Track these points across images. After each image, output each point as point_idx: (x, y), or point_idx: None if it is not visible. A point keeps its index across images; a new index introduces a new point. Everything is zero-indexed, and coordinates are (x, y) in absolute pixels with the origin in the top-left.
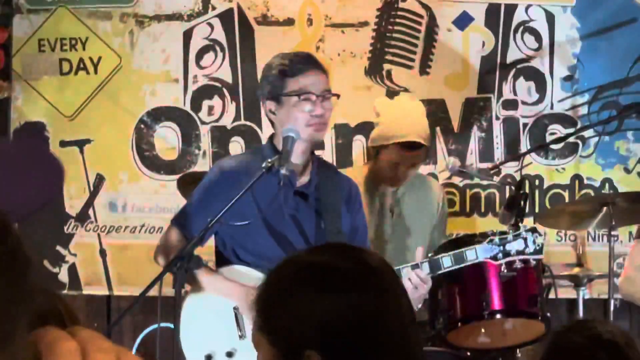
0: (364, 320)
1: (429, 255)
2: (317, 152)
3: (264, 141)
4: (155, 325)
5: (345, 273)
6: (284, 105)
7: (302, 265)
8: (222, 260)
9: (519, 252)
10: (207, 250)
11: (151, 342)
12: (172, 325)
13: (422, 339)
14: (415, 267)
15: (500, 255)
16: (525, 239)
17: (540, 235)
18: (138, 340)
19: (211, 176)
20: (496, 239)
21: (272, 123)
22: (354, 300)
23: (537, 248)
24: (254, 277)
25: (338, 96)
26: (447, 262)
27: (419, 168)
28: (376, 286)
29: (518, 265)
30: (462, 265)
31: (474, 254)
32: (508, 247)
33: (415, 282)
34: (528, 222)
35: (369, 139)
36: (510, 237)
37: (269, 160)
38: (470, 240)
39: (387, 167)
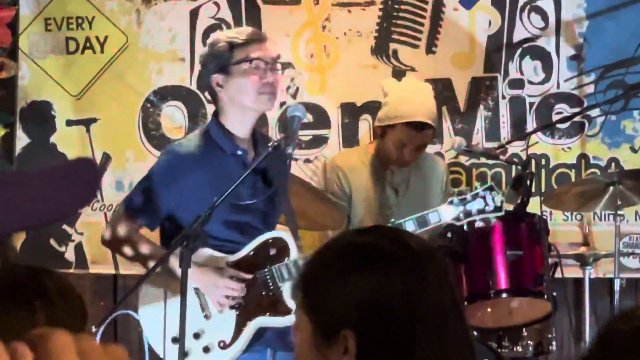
0: (401, 303)
1: (392, 221)
2: (323, 131)
3: (270, 120)
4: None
5: (386, 254)
6: (233, 75)
7: (345, 245)
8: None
9: (479, 211)
10: (154, 234)
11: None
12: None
13: (466, 324)
14: None
15: (462, 215)
16: (484, 198)
17: (498, 193)
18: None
19: (161, 162)
20: (455, 199)
21: (215, 99)
22: (392, 282)
23: (498, 205)
24: (210, 257)
25: (284, 68)
26: (409, 225)
27: (426, 149)
28: (416, 270)
29: (479, 224)
30: (426, 228)
31: (437, 217)
32: (469, 206)
33: None
34: (534, 201)
35: (376, 118)
36: (469, 197)
37: (275, 140)
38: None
39: (394, 147)
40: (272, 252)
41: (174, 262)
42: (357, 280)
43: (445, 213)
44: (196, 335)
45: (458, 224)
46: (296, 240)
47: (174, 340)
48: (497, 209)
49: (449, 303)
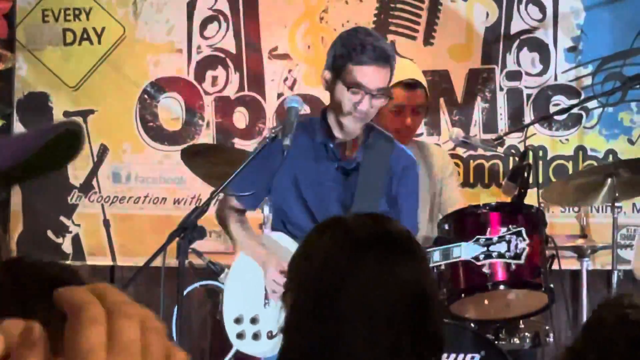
0: (331, 281)
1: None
2: None
3: (267, 111)
4: (196, 284)
5: (345, 237)
6: (338, 84)
7: (326, 221)
8: (273, 227)
9: (499, 255)
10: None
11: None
12: (214, 283)
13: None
14: None
15: (482, 256)
16: (508, 242)
17: (524, 240)
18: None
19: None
20: (482, 239)
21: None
22: (332, 259)
23: (518, 252)
24: (287, 244)
25: (391, 97)
26: (436, 256)
27: (423, 125)
28: (358, 255)
29: (500, 267)
30: (449, 261)
31: (459, 252)
32: (492, 248)
33: None
34: (531, 193)
35: None
36: (495, 238)
37: (273, 130)
38: (472, 212)
39: (392, 116)
40: None
41: (246, 245)
42: (313, 252)
43: (468, 250)
44: (253, 320)
45: (478, 263)
46: None
47: (236, 320)
48: (517, 256)
49: (389, 294)
